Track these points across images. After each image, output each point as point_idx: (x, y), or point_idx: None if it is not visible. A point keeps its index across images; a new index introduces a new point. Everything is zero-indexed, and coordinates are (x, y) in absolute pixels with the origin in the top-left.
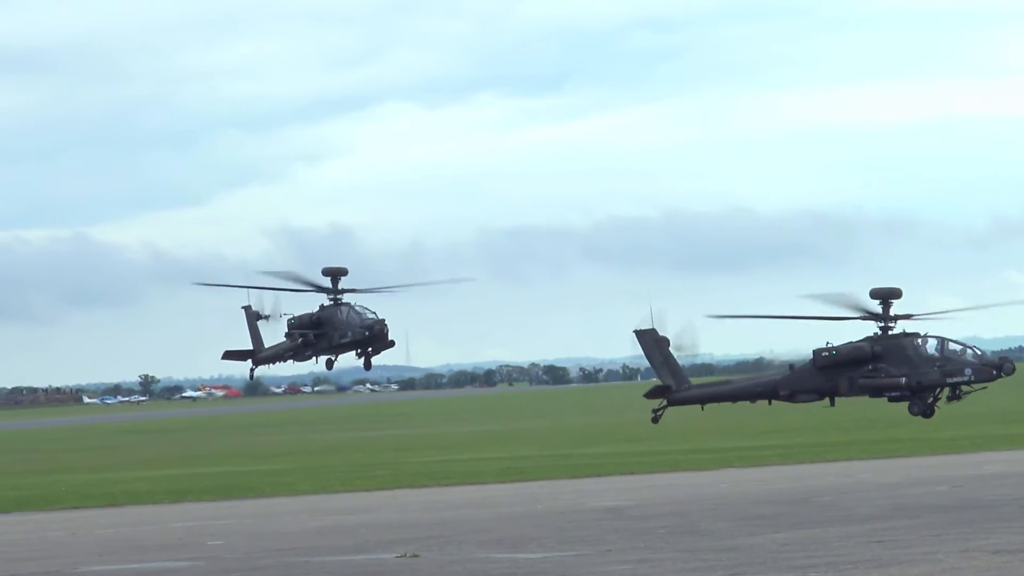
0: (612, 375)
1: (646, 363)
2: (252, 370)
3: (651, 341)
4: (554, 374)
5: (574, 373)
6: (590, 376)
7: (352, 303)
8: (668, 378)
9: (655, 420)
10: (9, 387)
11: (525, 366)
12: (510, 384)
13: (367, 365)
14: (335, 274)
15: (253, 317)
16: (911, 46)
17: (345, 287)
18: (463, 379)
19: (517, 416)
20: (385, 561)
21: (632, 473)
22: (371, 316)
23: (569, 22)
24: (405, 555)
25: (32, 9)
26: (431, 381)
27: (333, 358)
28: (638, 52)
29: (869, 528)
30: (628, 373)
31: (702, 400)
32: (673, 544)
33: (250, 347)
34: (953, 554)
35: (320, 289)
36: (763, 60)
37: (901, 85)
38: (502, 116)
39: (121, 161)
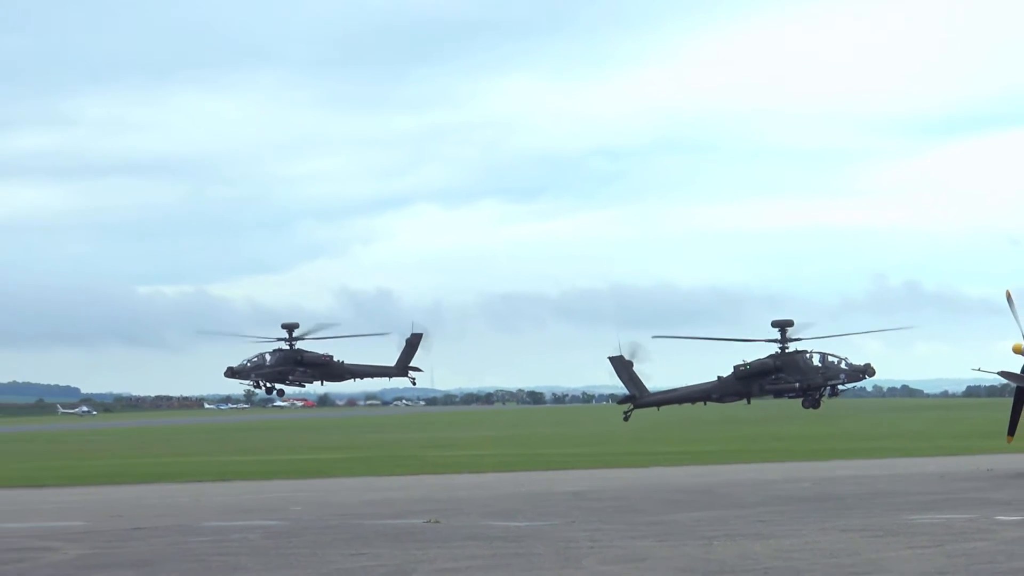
0: (575, 399)
1: (600, 391)
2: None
3: (620, 364)
4: (534, 397)
5: (548, 396)
6: (559, 399)
7: (302, 348)
8: (634, 389)
9: (626, 419)
10: (153, 395)
11: (514, 391)
12: (503, 403)
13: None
14: (290, 328)
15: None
16: (791, 174)
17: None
18: (470, 399)
19: (508, 426)
20: (416, 524)
21: (589, 468)
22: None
23: (546, 151)
24: (430, 520)
25: (172, 130)
26: (448, 399)
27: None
28: (595, 173)
29: (754, 511)
30: (586, 398)
31: (658, 403)
32: (618, 519)
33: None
34: (814, 531)
35: (279, 339)
36: (683, 181)
37: (782, 202)
38: (499, 216)
39: (230, 240)
